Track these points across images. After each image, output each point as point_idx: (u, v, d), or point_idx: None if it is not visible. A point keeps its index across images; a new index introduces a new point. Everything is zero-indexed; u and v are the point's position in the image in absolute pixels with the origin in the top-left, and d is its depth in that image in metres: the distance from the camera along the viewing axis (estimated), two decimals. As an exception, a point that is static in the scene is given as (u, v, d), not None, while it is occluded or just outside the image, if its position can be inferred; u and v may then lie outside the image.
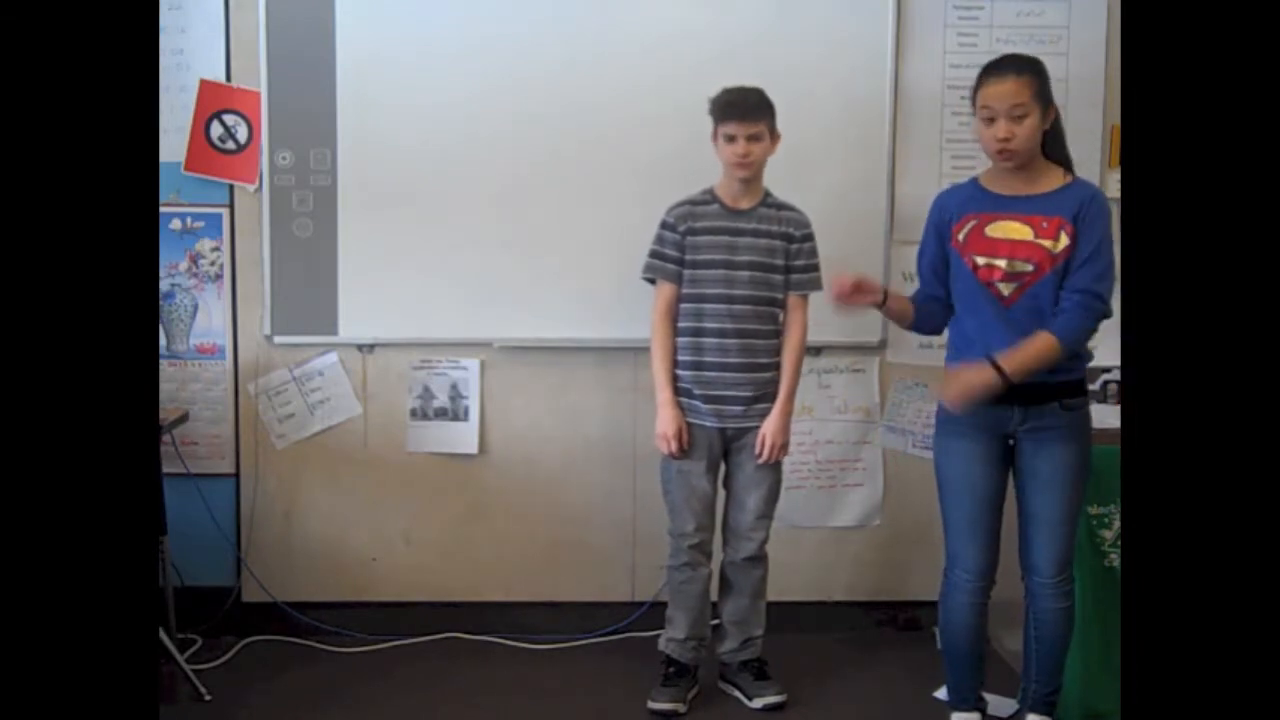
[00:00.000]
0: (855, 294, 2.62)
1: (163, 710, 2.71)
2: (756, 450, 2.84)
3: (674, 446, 2.84)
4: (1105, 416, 2.70)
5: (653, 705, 2.87)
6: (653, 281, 2.89)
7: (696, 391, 2.85)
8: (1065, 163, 2.51)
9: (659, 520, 3.37)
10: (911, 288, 3.11)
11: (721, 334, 2.82)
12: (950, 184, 3.13)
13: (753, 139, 2.77)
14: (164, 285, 3.24)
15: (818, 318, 3.29)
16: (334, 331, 3.25)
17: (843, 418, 3.39)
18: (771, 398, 2.86)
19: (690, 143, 3.21)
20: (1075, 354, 2.48)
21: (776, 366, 2.88)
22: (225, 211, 3.25)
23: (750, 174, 2.81)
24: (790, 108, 3.21)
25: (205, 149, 3.21)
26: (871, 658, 3.25)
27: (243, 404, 3.30)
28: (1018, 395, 2.47)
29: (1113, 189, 3.07)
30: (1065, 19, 3.26)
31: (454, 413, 3.32)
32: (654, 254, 2.88)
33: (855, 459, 3.40)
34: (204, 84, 3.19)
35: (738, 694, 2.95)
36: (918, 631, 3.34)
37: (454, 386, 3.31)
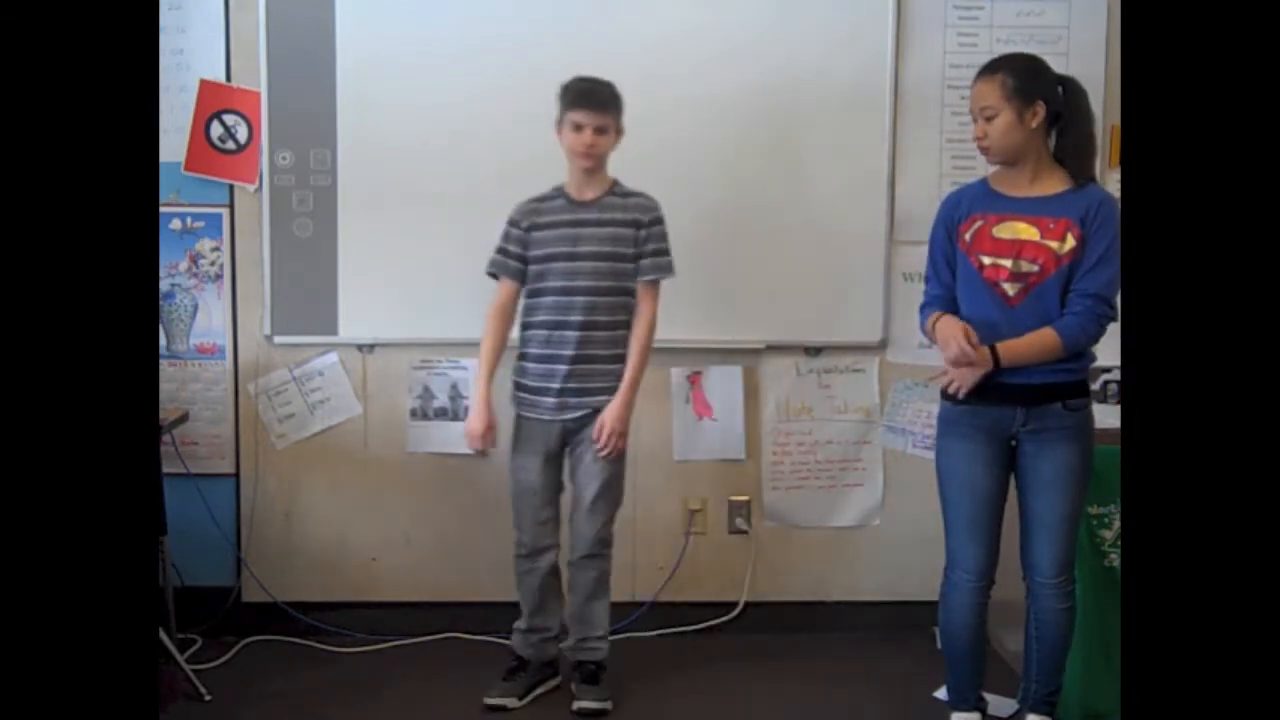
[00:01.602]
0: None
1: (162, 710, 2.73)
2: (594, 436, 2.81)
3: (477, 444, 2.83)
4: (1105, 416, 2.70)
5: (486, 700, 2.84)
6: (495, 277, 2.87)
7: (538, 384, 2.83)
8: (1074, 170, 2.48)
9: (659, 520, 3.38)
10: (911, 287, 3.13)
11: (565, 326, 2.79)
12: (951, 184, 3.15)
13: (599, 130, 2.74)
14: (164, 285, 3.24)
15: (817, 317, 3.32)
16: (334, 331, 3.25)
17: (843, 418, 3.39)
18: (615, 390, 2.83)
19: (690, 142, 3.22)
20: (1079, 354, 2.48)
21: (620, 360, 2.84)
22: (225, 211, 3.26)
23: (593, 164, 2.78)
24: (790, 108, 3.23)
25: (205, 149, 3.21)
26: (871, 658, 3.25)
27: (243, 404, 3.30)
28: (1020, 396, 2.47)
29: (1113, 189, 3.07)
30: (1065, 19, 3.26)
31: (454, 413, 3.32)
32: (497, 250, 2.86)
33: (855, 459, 3.41)
34: (204, 84, 3.20)
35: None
36: (918, 631, 3.34)
37: (454, 386, 3.32)
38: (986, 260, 2.48)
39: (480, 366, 2.87)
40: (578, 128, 2.74)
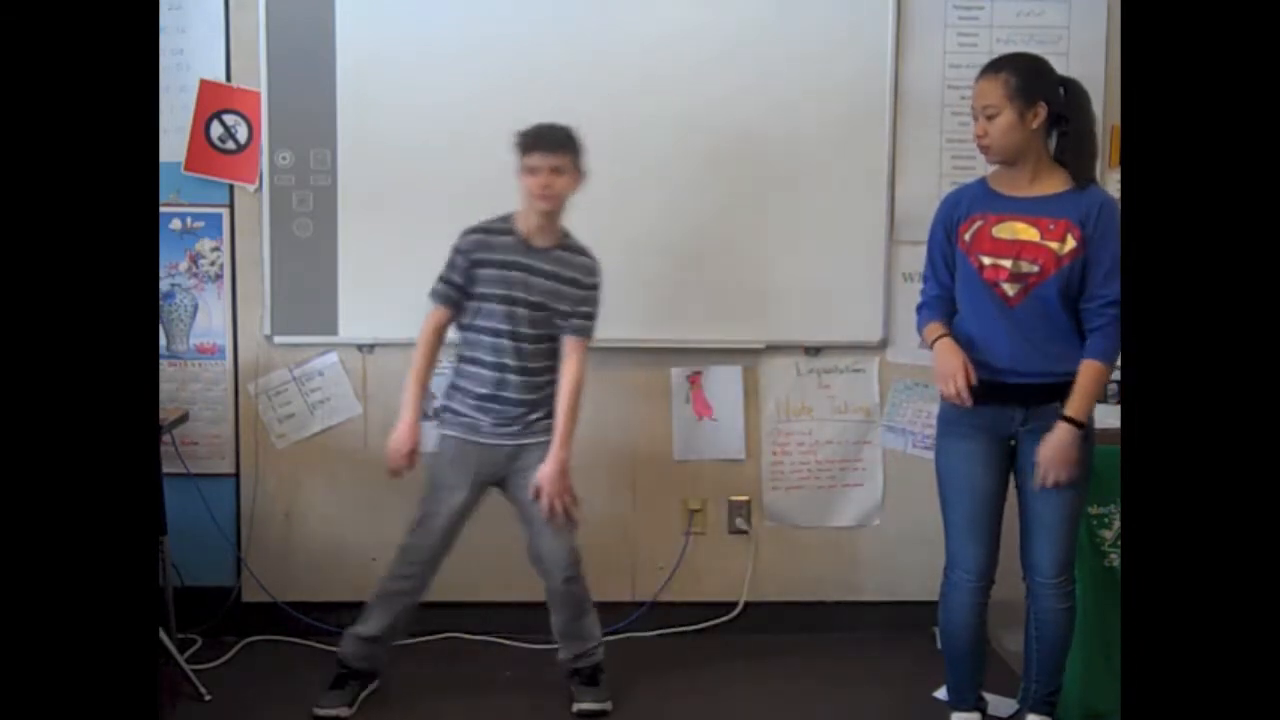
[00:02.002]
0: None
1: (162, 710, 2.73)
2: (531, 495, 2.79)
3: (401, 462, 2.79)
4: (1105, 416, 2.70)
5: (317, 711, 2.80)
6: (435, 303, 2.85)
7: (474, 417, 2.81)
8: (1074, 171, 2.48)
9: (659, 520, 3.38)
10: (911, 287, 3.12)
11: (503, 369, 2.78)
12: (951, 184, 3.15)
13: (555, 171, 2.72)
14: (164, 285, 3.24)
15: (817, 317, 3.32)
16: (334, 331, 3.25)
17: (842, 418, 3.39)
18: (548, 419, 2.82)
19: (689, 142, 3.22)
20: (1077, 354, 2.48)
21: (553, 397, 2.83)
22: (225, 211, 3.26)
23: (551, 206, 2.76)
24: (790, 108, 3.23)
25: (205, 149, 3.21)
26: (871, 658, 3.25)
27: (243, 404, 3.30)
28: (1019, 396, 2.47)
29: (1113, 189, 3.07)
30: (1065, 19, 3.26)
31: (454, 413, 3.31)
32: (441, 277, 2.82)
33: (855, 459, 3.41)
34: (204, 84, 3.20)
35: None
36: (918, 631, 3.34)
37: (454, 386, 3.31)
38: (986, 260, 2.48)
39: (411, 388, 2.82)
40: (533, 170, 2.72)
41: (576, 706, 2.86)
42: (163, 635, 2.89)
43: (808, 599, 3.43)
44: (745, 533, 3.41)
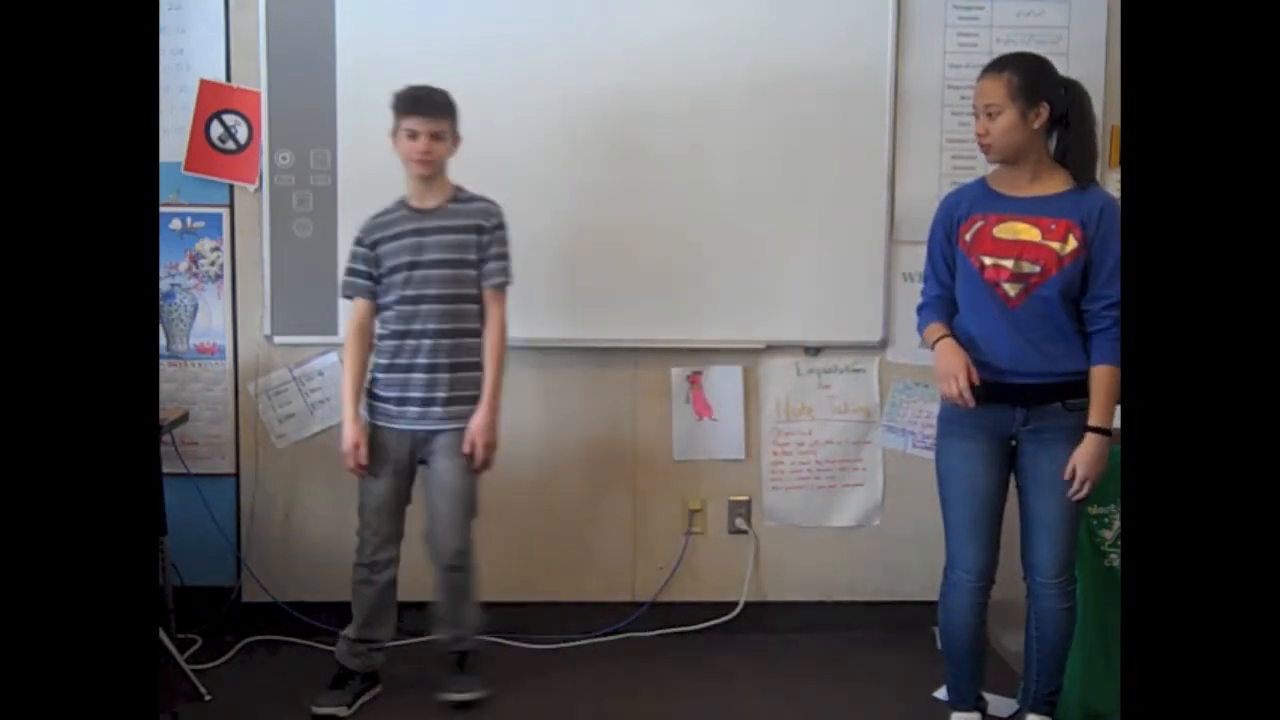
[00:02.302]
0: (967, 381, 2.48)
1: (162, 710, 2.73)
2: (466, 449, 2.78)
3: (351, 462, 2.80)
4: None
5: (315, 709, 2.80)
6: (350, 298, 2.85)
7: (391, 395, 2.80)
8: (1076, 173, 2.48)
9: (659, 520, 3.39)
10: (911, 287, 3.13)
11: (417, 335, 2.76)
12: (951, 184, 3.15)
13: (434, 137, 2.72)
14: (164, 285, 3.24)
15: (817, 317, 3.32)
16: (334, 331, 3.25)
17: (842, 418, 3.39)
18: (472, 399, 2.80)
19: (689, 142, 3.23)
20: (1078, 354, 2.48)
21: (474, 368, 2.82)
22: (225, 211, 3.26)
23: (430, 171, 2.76)
24: (790, 108, 3.23)
25: (205, 149, 3.21)
26: (871, 658, 3.25)
27: (243, 404, 3.30)
28: (1020, 396, 2.47)
29: (1113, 189, 3.07)
30: (1065, 19, 3.26)
31: (454, 413, 3.31)
32: (347, 270, 2.84)
33: (855, 459, 3.41)
34: (204, 84, 3.20)
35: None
36: (917, 631, 3.34)
37: (454, 386, 3.31)
38: (987, 261, 2.48)
39: (346, 389, 2.82)
40: (412, 135, 2.72)
41: (446, 696, 2.86)
42: (163, 635, 2.89)
43: (808, 599, 3.43)
44: (745, 533, 3.41)
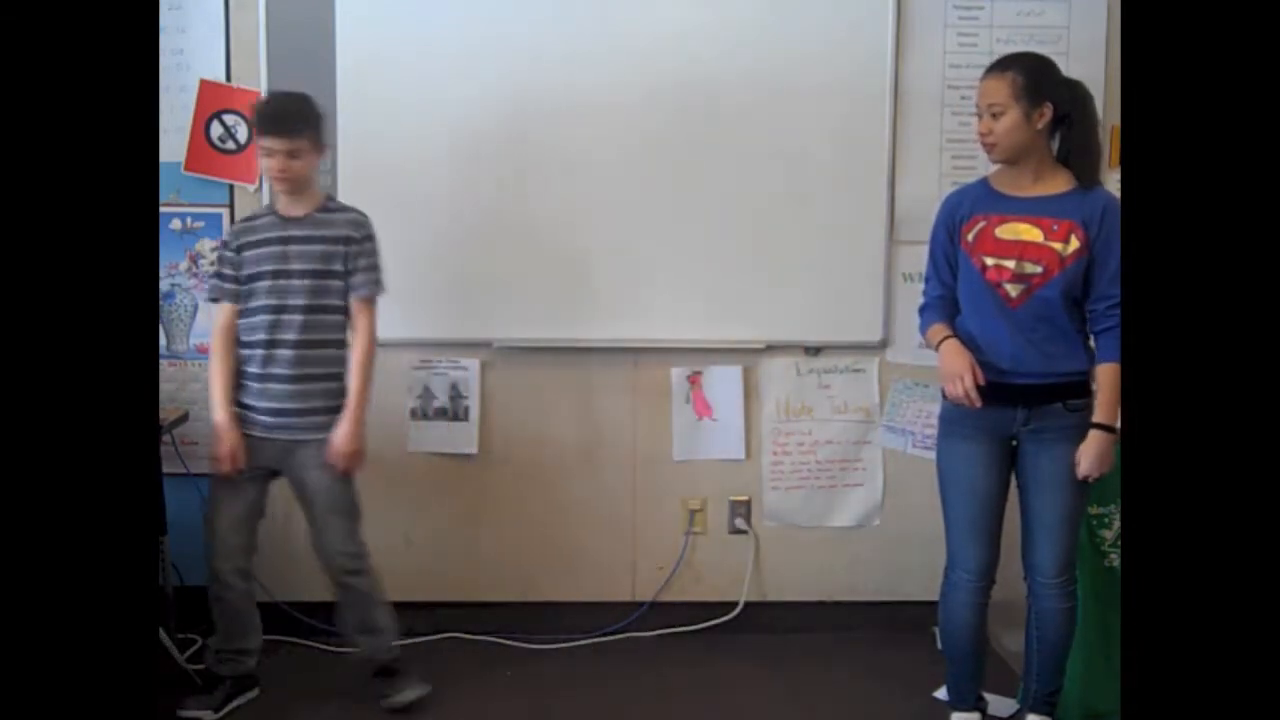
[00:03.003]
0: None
1: (162, 710, 2.73)
2: (328, 460, 2.73)
3: (228, 466, 2.74)
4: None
5: (181, 712, 2.76)
6: (216, 301, 2.81)
7: (256, 404, 2.75)
8: (1079, 174, 2.48)
9: (659, 520, 3.39)
10: (911, 287, 3.13)
11: (279, 345, 2.72)
12: (951, 184, 3.15)
13: (290, 155, 2.67)
14: (164, 285, 3.24)
15: (817, 317, 3.32)
16: (334, 331, 3.25)
17: (842, 418, 3.39)
18: (336, 409, 2.75)
19: (688, 142, 3.22)
20: (1078, 355, 2.48)
21: (338, 378, 2.77)
22: (225, 211, 3.25)
23: (289, 189, 2.72)
24: (790, 108, 3.23)
25: (205, 149, 3.21)
26: (871, 658, 3.25)
27: (243, 404, 3.30)
28: (1021, 396, 2.47)
29: (1113, 189, 3.07)
30: (1065, 19, 3.26)
31: (454, 413, 3.32)
32: (213, 274, 2.82)
33: (855, 459, 3.40)
34: (204, 84, 3.19)
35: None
36: (917, 631, 3.34)
37: (454, 386, 3.32)
38: (989, 261, 2.48)
39: (215, 393, 2.76)
40: (269, 153, 2.68)
41: (395, 700, 2.83)
42: (163, 635, 2.88)
43: (808, 599, 3.43)
44: (745, 533, 3.41)
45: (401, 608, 3.08)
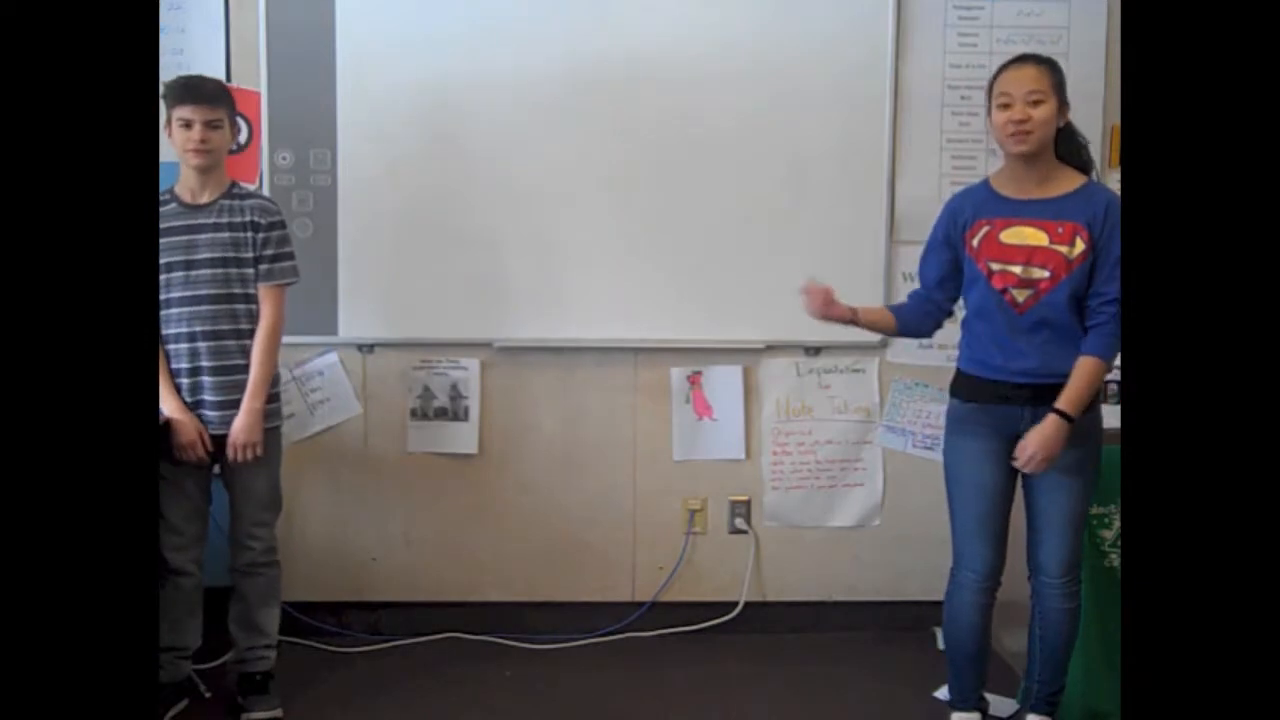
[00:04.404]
0: (826, 306, 2.61)
1: (163, 710, 2.73)
2: (230, 455, 2.69)
3: (194, 455, 2.67)
4: (1105, 416, 2.69)
5: None
6: None
7: (190, 399, 2.69)
8: (1081, 165, 2.49)
9: (659, 520, 3.39)
10: (911, 287, 3.11)
11: (191, 338, 2.66)
12: (951, 184, 3.15)
13: (211, 125, 2.61)
14: (164, 285, 3.23)
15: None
16: (334, 331, 3.25)
17: (842, 418, 3.39)
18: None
19: (689, 142, 3.22)
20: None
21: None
22: (225, 211, 3.25)
23: (206, 162, 2.63)
24: (790, 108, 3.23)
25: (205, 149, 3.20)
26: (871, 658, 3.25)
27: (243, 404, 3.30)
28: (1027, 396, 2.47)
29: (1113, 189, 3.07)
30: (1065, 19, 3.26)
31: (454, 413, 3.32)
32: None
33: (855, 459, 3.41)
34: (204, 84, 3.19)
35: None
36: (918, 631, 3.34)
37: (454, 386, 3.32)
38: (995, 266, 2.48)
39: (162, 384, 2.66)
40: (187, 124, 2.60)
41: (246, 716, 2.77)
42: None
43: (808, 599, 3.43)
44: (745, 533, 3.41)
45: (402, 608, 3.09)
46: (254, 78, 3.18)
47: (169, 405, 2.68)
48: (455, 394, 3.32)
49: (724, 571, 3.42)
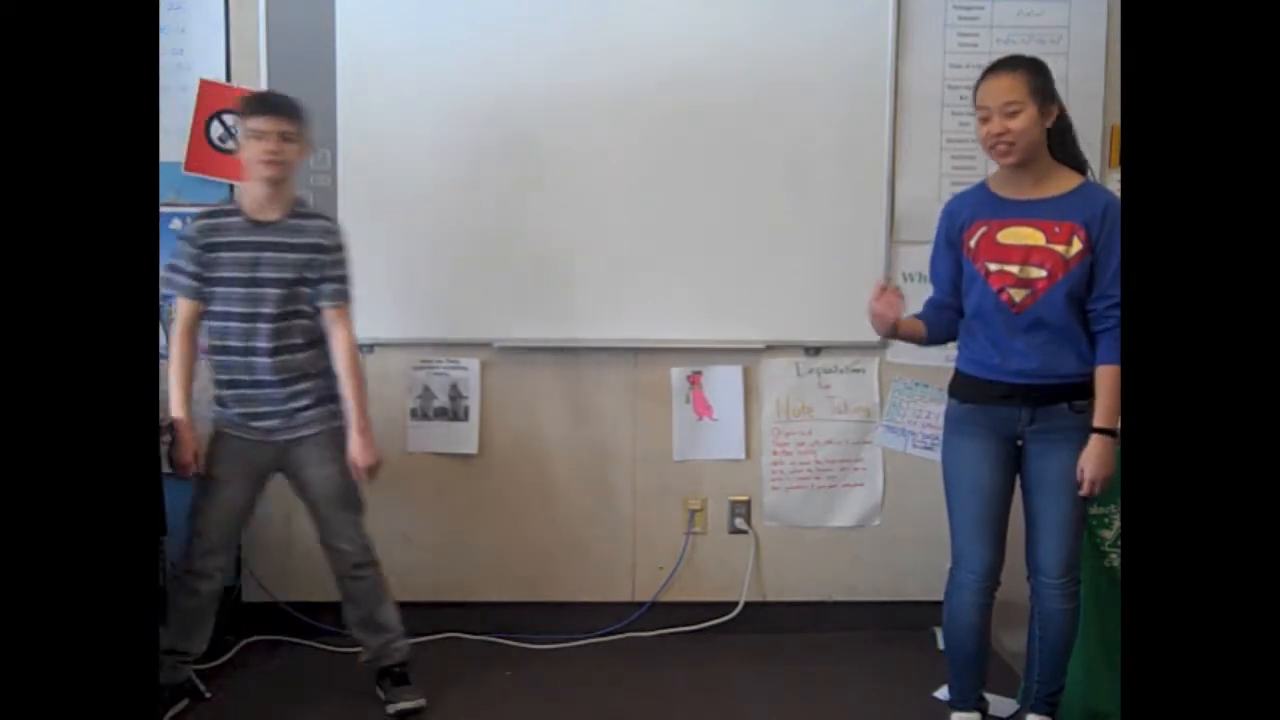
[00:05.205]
0: (886, 300, 2.55)
1: (163, 710, 2.73)
2: (356, 478, 2.72)
3: (188, 475, 2.69)
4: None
5: None
6: (175, 297, 2.73)
7: (243, 410, 2.71)
8: (1077, 165, 2.49)
9: (659, 520, 3.39)
10: (912, 288, 3.12)
11: (252, 353, 2.67)
12: (951, 184, 3.15)
13: (284, 137, 2.61)
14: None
15: (817, 317, 3.32)
16: (334, 331, 3.25)
17: (842, 418, 3.39)
18: (324, 400, 2.74)
19: (688, 142, 3.23)
20: (1083, 356, 2.47)
21: (319, 374, 2.74)
22: (225, 211, 3.25)
23: (277, 174, 2.64)
24: (790, 108, 3.23)
25: (205, 149, 3.21)
26: (871, 658, 3.25)
27: (243, 404, 3.30)
28: (1026, 396, 2.47)
29: (1113, 189, 3.07)
30: (1065, 19, 3.26)
31: (454, 413, 3.32)
32: (171, 268, 2.70)
33: (855, 459, 3.41)
34: (204, 84, 3.19)
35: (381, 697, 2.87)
36: (917, 631, 3.34)
37: (454, 386, 3.32)
38: (992, 267, 2.48)
39: (175, 393, 2.68)
40: (260, 136, 2.60)
41: (394, 708, 2.81)
42: (163, 635, 2.88)
43: (808, 599, 3.43)
44: (745, 533, 3.41)
45: (401, 608, 3.07)
46: (254, 78, 3.18)
47: (179, 413, 2.68)
48: (455, 394, 3.32)
49: (724, 571, 3.42)
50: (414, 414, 3.31)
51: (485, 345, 3.29)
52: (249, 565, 3.32)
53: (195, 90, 3.19)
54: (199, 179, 3.22)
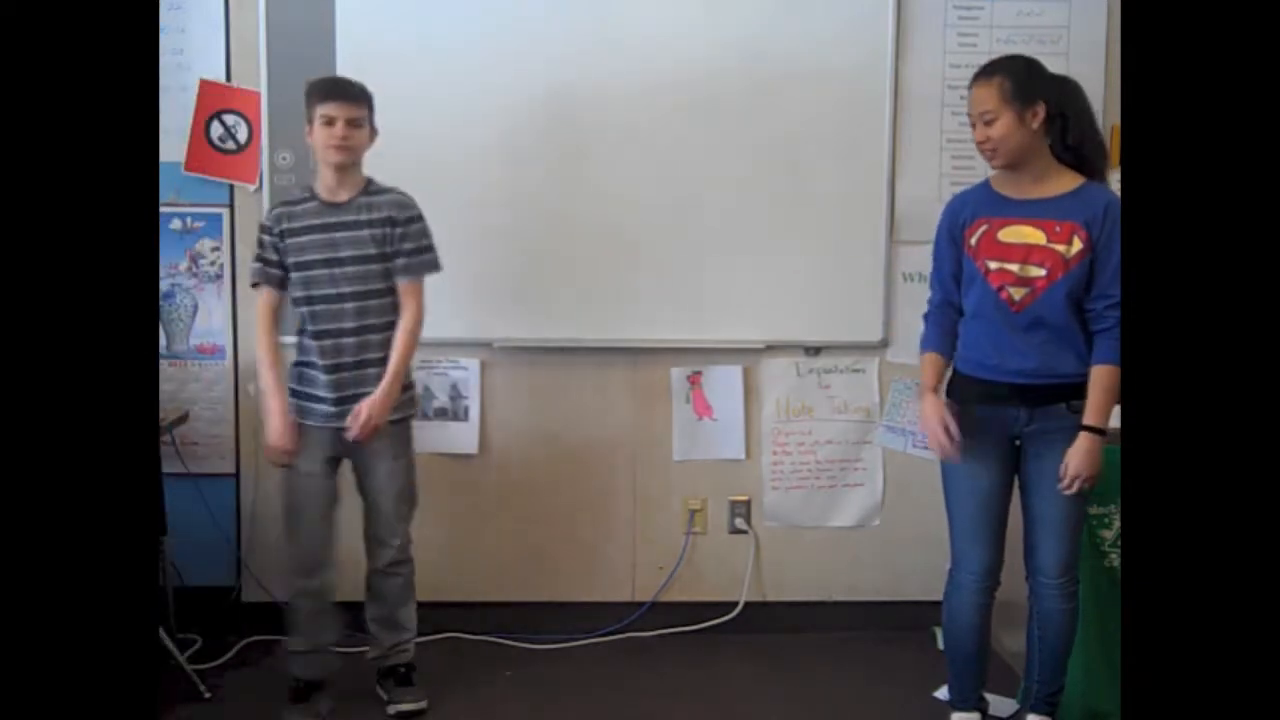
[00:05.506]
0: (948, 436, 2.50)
1: (163, 710, 2.73)
2: (348, 423, 2.67)
3: (285, 458, 2.71)
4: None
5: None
6: (257, 286, 2.77)
7: (318, 393, 2.71)
8: (1087, 157, 2.48)
9: (659, 520, 3.39)
10: (911, 287, 3.13)
11: (339, 334, 2.69)
12: (951, 184, 3.15)
13: (352, 123, 2.64)
14: (164, 285, 3.24)
15: (817, 317, 3.32)
16: (334, 331, 3.25)
17: (842, 418, 3.39)
18: (399, 390, 2.75)
19: (688, 141, 3.23)
20: (1082, 356, 2.47)
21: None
22: (225, 211, 3.26)
23: (347, 159, 2.66)
24: (790, 107, 3.23)
25: (205, 149, 3.21)
26: (871, 658, 3.25)
27: (243, 404, 3.30)
28: (1024, 396, 2.47)
29: (1113, 189, 3.07)
30: (1065, 19, 3.26)
31: (454, 413, 3.32)
32: (256, 258, 2.75)
33: (855, 459, 3.41)
34: (204, 84, 3.20)
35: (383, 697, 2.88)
36: (918, 631, 3.34)
37: (454, 386, 3.32)
38: (992, 265, 2.48)
39: (267, 377, 2.72)
40: (329, 121, 2.63)
41: (395, 709, 2.81)
42: (163, 635, 2.88)
43: (808, 599, 3.43)
44: (745, 533, 3.41)
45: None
46: (254, 78, 3.18)
47: (274, 401, 2.70)
48: (455, 394, 3.32)
49: (724, 571, 3.42)
50: (414, 414, 3.31)
51: (485, 345, 3.29)
52: (249, 565, 3.32)
53: (195, 90, 3.19)
54: (199, 179, 3.22)
